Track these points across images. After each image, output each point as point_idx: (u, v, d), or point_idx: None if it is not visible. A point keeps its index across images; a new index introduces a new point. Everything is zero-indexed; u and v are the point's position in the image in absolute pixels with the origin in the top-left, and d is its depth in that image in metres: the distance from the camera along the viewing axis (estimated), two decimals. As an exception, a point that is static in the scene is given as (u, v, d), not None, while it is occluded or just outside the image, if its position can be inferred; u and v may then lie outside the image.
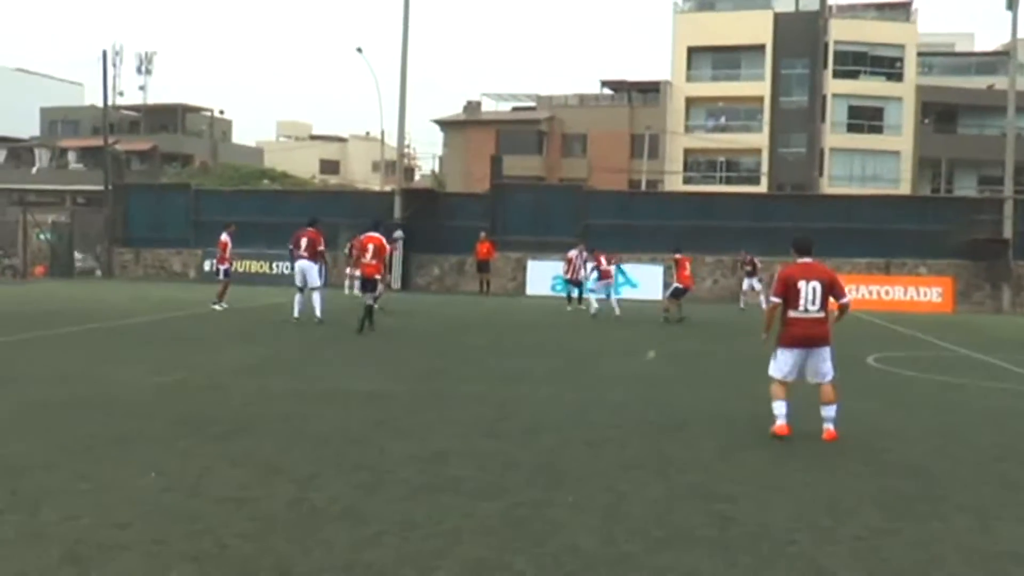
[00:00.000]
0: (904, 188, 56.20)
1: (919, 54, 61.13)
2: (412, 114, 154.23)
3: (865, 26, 60.70)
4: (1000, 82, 51.97)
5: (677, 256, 23.93)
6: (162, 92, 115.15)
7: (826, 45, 59.85)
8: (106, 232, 38.55)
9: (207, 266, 34.21)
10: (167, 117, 74.47)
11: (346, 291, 28.80)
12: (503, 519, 6.08)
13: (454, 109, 70.49)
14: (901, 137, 59.32)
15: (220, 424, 8.98)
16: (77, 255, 38.66)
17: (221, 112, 79.84)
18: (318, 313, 19.44)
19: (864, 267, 33.31)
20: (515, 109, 69.31)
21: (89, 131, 68.41)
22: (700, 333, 20.83)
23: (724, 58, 62.35)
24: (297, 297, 19.78)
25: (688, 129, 62.21)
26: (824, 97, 59.88)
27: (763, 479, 7.44)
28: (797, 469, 7.82)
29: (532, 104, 68.27)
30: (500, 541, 5.65)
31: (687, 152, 62.30)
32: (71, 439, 8.18)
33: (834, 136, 59.70)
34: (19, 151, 73.01)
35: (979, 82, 60.76)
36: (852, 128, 59.87)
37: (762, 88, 60.70)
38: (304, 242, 19.92)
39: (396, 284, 31.10)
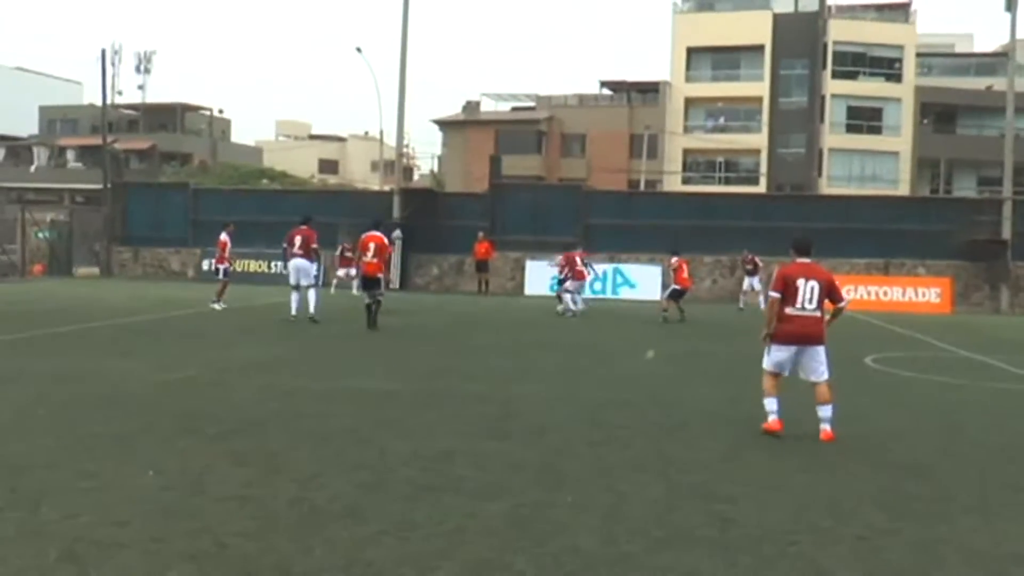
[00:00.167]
0: (903, 189, 56.22)
1: (918, 55, 61.16)
2: (411, 114, 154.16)
3: (864, 27, 60.72)
4: (999, 83, 51.99)
5: (674, 260, 24.00)
6: (161, 91, 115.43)
7: (825, 46, 59.87)
8: (105, 231, 38.50)
9: (206, 265, 34.16)
10: (166, 116, 74.46)
11: (332, 291, 29.06)
12: (504, 519, 6.07)
13: (453, 109, 70.55)
14: (900, 138, 59.35)
15: (221, 423, 8.97)
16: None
17: (220, 111, 79.94)
18: (311, 310, 19.46)
19: (863, 267, 33.31)
20: (514, 109, 69.30)
21: (88, 130, 68.40)
22: (699, 333, 20.82)
23: (723, 58, 62.33)
24: (293, 295, 19.82)
25: (687, 129, 62.20)
26: (823, 98, 59.90)
27: (763, 479, 7.44)
28: (797, 469, 7.82)
29: (531, 104, 68.26)
30: (501, 541, 5.64)
31: (686, 152, 62.30)
32: (71, 437, 8.17)
33: (833, 136, 59.71)
34: (18, 149, 73.01)
35: (978, 83, 60.80)
36: (851, 129, 59.88)
37: (761, 88, 60.71)
38: (298, 240, 19.98)
39: (395, 283, 31.11)
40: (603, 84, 67.52)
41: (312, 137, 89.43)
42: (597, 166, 58.97)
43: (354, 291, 29.29)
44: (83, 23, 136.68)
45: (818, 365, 9.05)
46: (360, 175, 78.06)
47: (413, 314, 22.85)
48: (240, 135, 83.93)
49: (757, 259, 28.48)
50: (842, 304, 9.39)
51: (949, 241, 32.99)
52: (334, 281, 30.14)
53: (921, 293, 32.28)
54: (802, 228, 31.06)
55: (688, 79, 62.37)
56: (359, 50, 51.08)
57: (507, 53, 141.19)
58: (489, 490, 6.77)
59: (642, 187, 57.21)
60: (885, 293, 32.37)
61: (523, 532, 5.82)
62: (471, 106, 68.10)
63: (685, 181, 60.52)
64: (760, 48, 60.64)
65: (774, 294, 9.15)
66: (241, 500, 6.31)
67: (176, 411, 9.53)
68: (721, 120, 62.49)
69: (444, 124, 66.92)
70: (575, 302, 24.44)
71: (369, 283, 18.74)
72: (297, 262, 19.87)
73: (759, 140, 60.71)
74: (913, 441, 9.27)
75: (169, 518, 5.89)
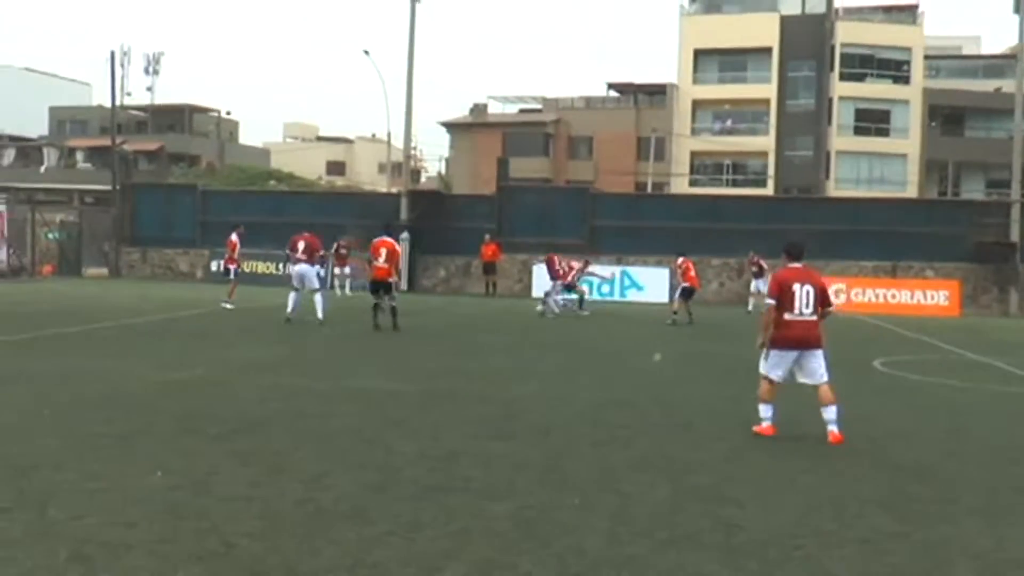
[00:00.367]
0: (911, 191, 56.10)
1: (926, 57, 61.05)
2: (419, 116, 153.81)
3: (871, 29, 60.62)
4: (1007, 85, 51.82)
5: (680, 260, 24.10)
6: (169, 93, 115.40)
7: (832, 48, 59.81)
8: (114, 232, 38.62)
9: (214, 266, 34.28)
10: (174, 117, 74.60)
11: (338, 292, 29.11)
12: (510, 520, 6.08)
13: (461, 111, 70.57)
14: (908, 140, 59.24)
15: (228, 423, 8.99)
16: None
17: (228, 113, 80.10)
18: (320, 315, 19.48)
19: (871, 270, 33.27)
20: (521, 111, 69.34)
21: (97, 131, 68.54)
22: (707, 335, 20.82)
23: (730, 61, 62.27)
24: (292, 296, 19.83)
25: (694, 131, 62.16)
26: (831, 100, 59.83)
27: (768, 481, 7.44)
28: (801, 471, 7.81)
29: (538, 107, 68.27)
30: (507, 542, 5.65)
31: (693, 154, 62.25)
32: (77, 438, 8.19)
33: (841, 139, 59.63)
34: (28, 150, 73.18)
35: (986, 85, 60.70)
36: (859, 131, 59.77)
37: (768, 91, 60.64)
38: (301, 245, 20.00)
39: (403, 285, 31.17)
40: (610, 86, 67.54)
41: (319, 139, 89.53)
42: (604, 168, 58.95)
43: (341, 291, 29.40)
44: (92, 24, 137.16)
45: (818, 367, 9.08)
46: (367, 177, 78.14)
47: (419, 315, 22.87)
48: (248, 137, 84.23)
49: (763, 262, 28.45)
50: (831, 308, 9.53)
51: (957, 244, 32.93)
52: (337, 283, 30.13)
53: (929, 296, 32.20)
54: (809, 230, 31.28)
55: (695, 81, 62.32)
56: (366, 52, 51.11)
57: (514, 56, 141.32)
58: (495, 491, 6.78)
59: (649, 189, 57.21)
60: (893, 296, 32.30)
61: (529, 533, 5.83)
62: (478, 109, 68.17)
63: (692, 183, 60.48)
64: (767, 50, 60.58)
65: (770, 300, 9.19)
66: (247, 500, 6.33)
67: (181, 411, 9.56)
68: (728, 122, 62.44)
69: (451, 126, 66.98)
70: (557, 304, 24.59)
71: (378, 287, 18.77)
72: (301, 268, 19.87)
73: (766, 142, 60.64)
74: (919, 443, 9.26)
75: (176, 518, 5.90)
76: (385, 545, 5.51)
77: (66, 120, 75.29)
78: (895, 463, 8.28)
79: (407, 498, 6.50)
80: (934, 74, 63.42)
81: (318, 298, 19.73)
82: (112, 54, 46.60)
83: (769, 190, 57.70)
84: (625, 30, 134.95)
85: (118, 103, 47.00)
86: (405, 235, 33.07)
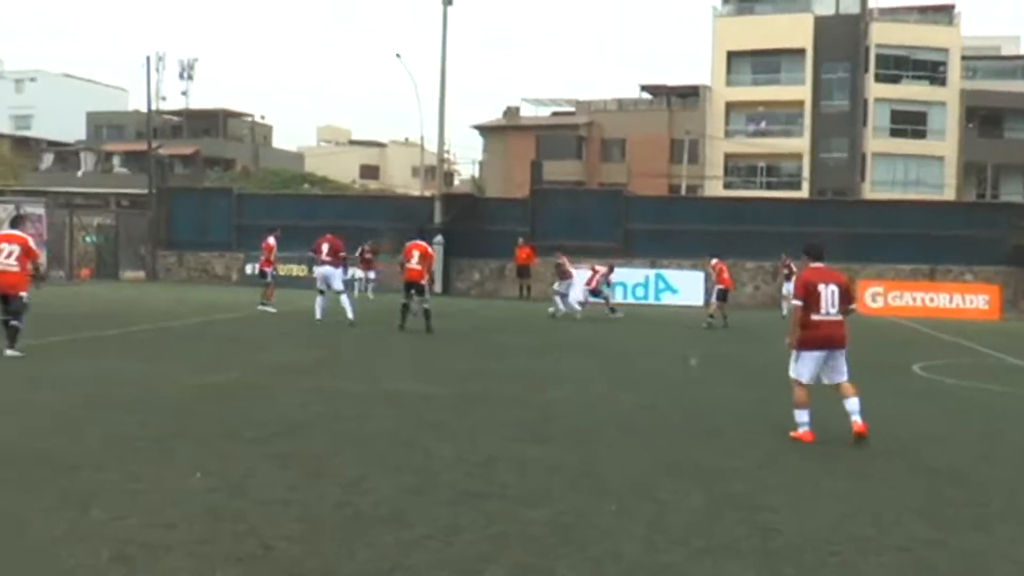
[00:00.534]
0: (948, 194, 55.55)
1: (963, 57, 60.42)
2: (451, 119, 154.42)
3: (907, 29, 60.09)
4: (1047, 86, 51.22)
5: (714, 262, 24.05)
6: (204, 97, 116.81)
7: (867, 49, 59.33)
8: (150, 235, 39.00)
9: (249, 269, 34.54)
10: (209, 122, 75.26)
11: (356, 293, 29.25)
12: (547, 525, 6.08)
13: (494, 115, 70.71)
14: (945, 142, 58.67)
15: (265, 425, 9.06)
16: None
17: (262, 117, 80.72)
18: (350, 316, 19.67)
19: (908, 273, 32.96)
20: (554, 114, 69.33)
21: (133, 135, 69.31)
22: (742, 339, 20.73)
23: (764, 62, 61.92)
24: (319, 299, 20.06)
25: (728, 134, 61.90)
26: (866, 101, 59.35)
27: (805, 487, 7.40)
28: (840, 477, 7.76)
29: (571, 109, 68.24)
30: (544, 547, 5.66)
31: (727, 157, 61.97)
32: (118, 439, 8.29)
33: (876, 141, 59.15)
34: (66, 155, 74.07)
35: (1025, 86, 60.03)
36: (895, 133, 59.27)
37: (803, 92, 60.25)
38: (325, 247, 20.27)
39: (437, 288, 31.29)
40: (643, 88, 67.37)
41: (353, 143, 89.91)
42: (637, 171, 58.81)
43: (361, 294, 29.58)
44: (129, 31, 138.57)
45: (841, 367, 9.15)
46: (401, 180, 78.42)
47: (453, 318, 22.93)
48: (282, 141, 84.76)
49: (793, 264, 28.28)
50: (853, 307, 9.57)
51: (997, 247, 32.55)
52: (358, 286, 30.17)
53: (969, 300, 31.82)
54: (845, 233, 31.06)
55: (728, 83, 62.04)
56: (398, 56, 51.48)
57: (547, 58, 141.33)
58: (531, 496, 6.79)
59: (683, 192, 56.99)
60: (932, 299, 31.93)
61: (565, 538, 5.84)
62: (511, 112, 68.22)
63: (726, 186, 60.20)
64: (801, 51, 60.18)
65: (797, 302, 9.24)
66: (285, 503, 6.38)
67: (219, 414, 9.65)
68: (762, 124, 62.10)
69: (485, 130, 67.09)
70: (566, 304, 24.72)
71: (410, 288, 18.93)
72: (324, 269, 20.15)
73: (801, 144, 60.25)
74: (960, 449, 9.17)
75: (215, 520, 5.96)
76: (423, 549, 5.54)
77: (103, 125, 76.22)
78: (934, 468, 8.22)
79: (445, 502, 6.53)
80: (971, 75, 62.72)
81: (344, 299, 19.94)
82: (148, 60, 47.11)
83: (804, 192, 57.32)
84: (658, 32, 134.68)
85: (154, 108, 47.48)
86: (439, 238, 33.18)
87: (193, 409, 9.92)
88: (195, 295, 28.96)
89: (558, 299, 24.81)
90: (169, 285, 34.97)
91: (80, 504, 6.22)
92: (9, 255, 13.15)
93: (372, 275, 31.02)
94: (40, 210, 34.22)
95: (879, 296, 31.13)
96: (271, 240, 23.70)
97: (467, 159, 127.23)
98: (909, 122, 59.29)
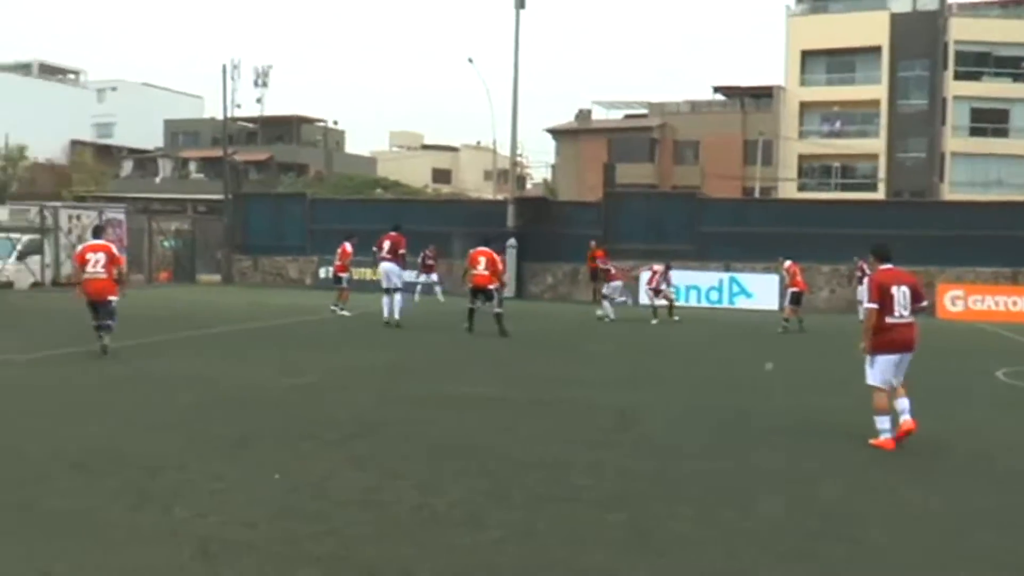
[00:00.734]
0: (1031, 194, 54.11)
1: (1048, 53, 58.84)
2: (523, 123, 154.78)
3: (988, 24, 58.65)
4: None
5: (787, 264, 23.72)
6: (278, 104, 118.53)
7: (946, 45, 58.02)
8: (226, 240, 39.65)
9: (322, 273, 34.88)
10: (283, 128, 76.35)
11: (416, 297, 29.33)
12: (625, 529, 6.03)
13: (566, 117, 70.64)
14: (1028, 140, 57.15)
15: (342, 426, 9.14)
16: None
17: (335, 123, 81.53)
18: (396, 315, 19.98)
19: (989, 276, 32.11)
20: (627, 117, 69.05)
21: (209, 142, 70.58)
22: (819, 344, 20.41)
23: (839, 61, 60.95)
24: (385, 300, 20.36)
25: (802, 134, 61.04)
26: (944, 100, 58.06)
27: (890, 495, 7.25)
28: (926, 485, 7.60)
29: (643, 111, 67.89)
30: (622, 551, 5.61)
31: (801, 158, 61.11)
32: (198, 439, 8.42)
33: (955, 140, 57.82)
34: (144, 162, 75.75)
35: (1115, 81, 58.19)
36: (975, 132, 57.88)
37: (879, 91, 59.18)
38: (387, 245, 20.68)
39: (510, 292, 31.36)
40: (716, 90, 66.82)
41: (425, 147, 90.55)
42: (710, 173, 58.32)
43: (420, 296, 29.73)
44: (205, 41, 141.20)
45: (904, 369, 9.07)
46: (473, 184, 78.75)
47: (525, 322, 22.93)
48: (354, 146, 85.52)
49: (866, 267, 27.75)
50: (925, 304, 9.38)
51: (1084, 249, 31.55)
52: (417, 287, 30.15)
53: (1054, 303, 30.86)
54: (923, 236, 30.39)
55: (803, 83, 61.18)
56: (471, 61, 51.63)
57: (619, 61, 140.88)
58: (608, 500, 6.74)
59: (756, 194, 56.35)
60: (1015, 303, 31.02)
61: (644, 543, 5.78)
62: (583, 114, 68.06)
63: (800, 188, 59.36)
64: (877, 49, 59.12)
65: (871, 305, 9.05)
66: (363, 504, 6.42)
67: (297, 415, 9.76)
68: (837, 124, 61.13)
69: (557, 133, 67.05)
70: (612, 303, 24.64)
71: (478, 294, 19.23)
72: (386, 266, 20.55)
73: (877, 145, 59.19)
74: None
75: (294, 521, 6.02)
76: (500, 551, 5.53)
77: (179, 132, 77.78)
78: (1014, 475, 8.00)
79: (520, 505, 6.51)
80: (1057, 71, 61.06)
81: (397, 298, 20.31)
82: (224, 68, 47.83)
83: (880, 194, 56.29)
84: (730, 32, 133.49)
85: (229, 115, 48.19)
86: (512, 242, 33.21)
87: (271, 410, 10.05)
88: (270, 298, 29.36)
89: (606, 303, 24.72)
90: (244, 288, 35.49)
91: (162, 503, 6.33)
92: (96, 263, 13.94)
93: (434, 277, 31.24)
94: (121, 216, 35.02)
95: (959, 300, 30.36)
96: (348, 247, 24.03)
97: (539, 162, 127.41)
98: (990, 120, 57.87)
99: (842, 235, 32.64)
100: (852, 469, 8.07)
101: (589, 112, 68.27)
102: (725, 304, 32.04)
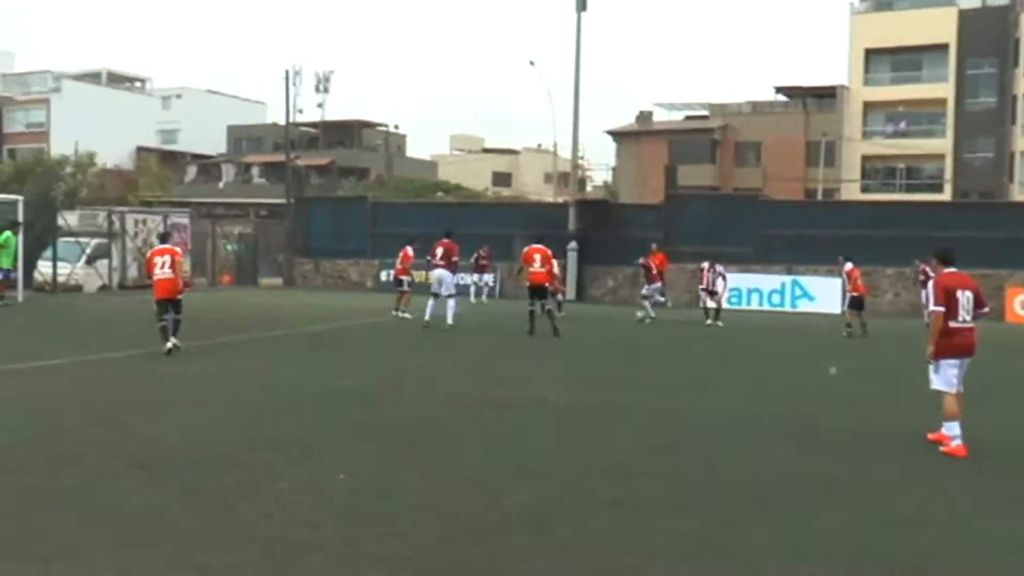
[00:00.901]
0: (1106, 194, 52.77)
1: (1125, 49, 57.33)
2: (584, 125, 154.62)
3: (1062, 21, 57.31)
4: None
5: (848, 267, 23.34)
6: (339, 109, 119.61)
7: (1017, 42, 56.73)
8: (287, 243, 40.07)
9: (383, 276, 35.10)
10: (344, 133, 77.07)
11: (472, 299, 29.42)
12: (692, 538, 5.95)
13: (626, 119, 70.29)
14: (1102, 139, 55.70)
15: (406, 428, 9.16)
16: None
17: (396, 127, 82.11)
18: (449, 320, 20.16)
19: (1061, 279, 31.32)
20: (687, 118, 68.59)
21: (271, 147, 71.38)
22: (882, 348, 20.08)
23: (904, 59, 59.94)
24: (430, 302, 20.48)
25: (866, 135, 60.15)
26: (1015, 98, 56.76)
27: (957, 503, 7.10)
28: (991, 494, 7.41)
29: (705, 113, 67.41)
30: (690, 559, 5.53)
31: (865, 159, 60.21)
32: (265, 440, 8.49)
33: (1026, 139, 56.57)
34: (208, 167, 76.90)
35: None
36: (1047, 130, 56.59)
37: (945, 90, 58.11)
38: (440, 251, 20.94)
39: (571, 295, 31.34)
40: (778, 90, 66.09)
41: (485, 151, 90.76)
42: (772, 175, 57.70)
43: (476, 299, 29.85)
44: (267, 47, 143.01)
45: (963, 374, 8.93)
46: (533, 187, 78.73)
47: (586, 325, 22.87)
48: (415, 150, 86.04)
49: (929, 270, 27.19)
50: (986, 310, 9.19)
51: None
52: (472, 289, 30.42)
53: None
54: (992, 238, 29.75)
55: (866, 82, 60.29)
56: (532, 63, 51.64)
57: (679, 62, 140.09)
58: (675, 507, 6.64)
59: (819, 196, 55.62)
60: (1087, 306, 30.25)
61: (711, 551, 5.70)
62: (644, 116, 67.72)
63: (864, 189, 58.50)
64: (944, 47, 58.04)
65: (938, 308, 8.89)
66: (427, 506, 6.41)
67: (358, 416, 9.81)
68: (902, 125, 60.13)
69: (617, 135, 66.80)
70: (652, 304, 24.61)
71: (536, 291, 19.44)
72: (439, 272, 20.82)
73: (943, 145, 58.10)
74: None
75: (358, 522, 6.03)
76: (567, 556, 5.48)
77: (242, 138, 78.87)
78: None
79: (586, 510, 6.46)
80: None
81: (451, 303, 20.52)
82: (286, 74, 48.46)
83: (946, 195, 55.25)
84: (793, 31, 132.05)
85: (291, 121, 48.79)
86: (573, 245, 33.15)
87: (333, 411, 10.10)
88: (332, 301, 29.59)
89: (647, 303, 24.63)
90: (306, 291, 35.83)
91: (228, 502, 6.38)
92: (163, 265, 15.03)
93: (487, 278, 31.41)
94: (185, 220, 35.54)
95: (1032, 304, 29.70)
96: (409, 251, 24.19)
97: (600, 164, 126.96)
98: (1062, 119, 56.55)
99: (907, 237, 32.02)
100: (922, 477, 7.90)
101: (650, 114, 67.92)
102: (787, 307, 31.66)
